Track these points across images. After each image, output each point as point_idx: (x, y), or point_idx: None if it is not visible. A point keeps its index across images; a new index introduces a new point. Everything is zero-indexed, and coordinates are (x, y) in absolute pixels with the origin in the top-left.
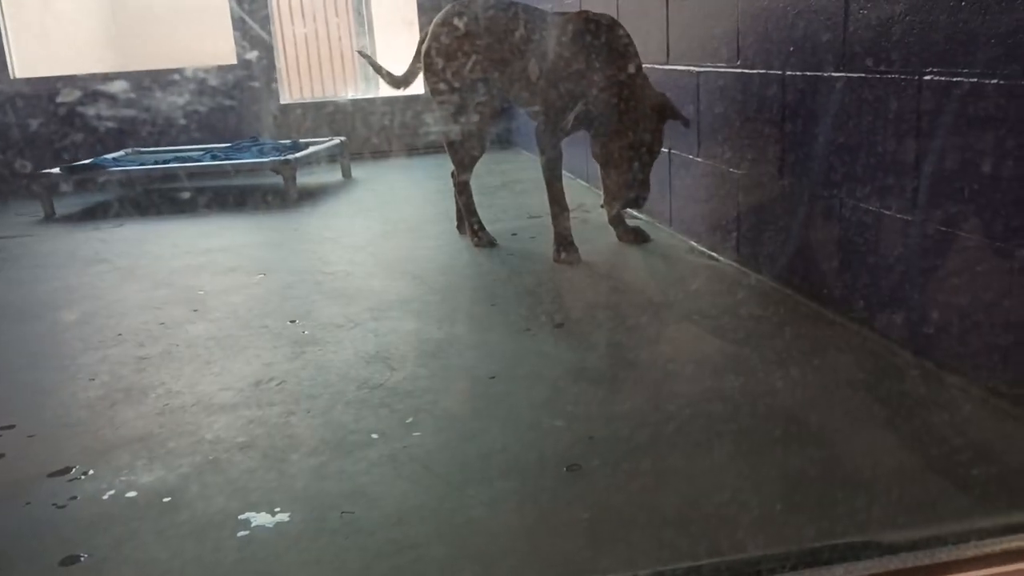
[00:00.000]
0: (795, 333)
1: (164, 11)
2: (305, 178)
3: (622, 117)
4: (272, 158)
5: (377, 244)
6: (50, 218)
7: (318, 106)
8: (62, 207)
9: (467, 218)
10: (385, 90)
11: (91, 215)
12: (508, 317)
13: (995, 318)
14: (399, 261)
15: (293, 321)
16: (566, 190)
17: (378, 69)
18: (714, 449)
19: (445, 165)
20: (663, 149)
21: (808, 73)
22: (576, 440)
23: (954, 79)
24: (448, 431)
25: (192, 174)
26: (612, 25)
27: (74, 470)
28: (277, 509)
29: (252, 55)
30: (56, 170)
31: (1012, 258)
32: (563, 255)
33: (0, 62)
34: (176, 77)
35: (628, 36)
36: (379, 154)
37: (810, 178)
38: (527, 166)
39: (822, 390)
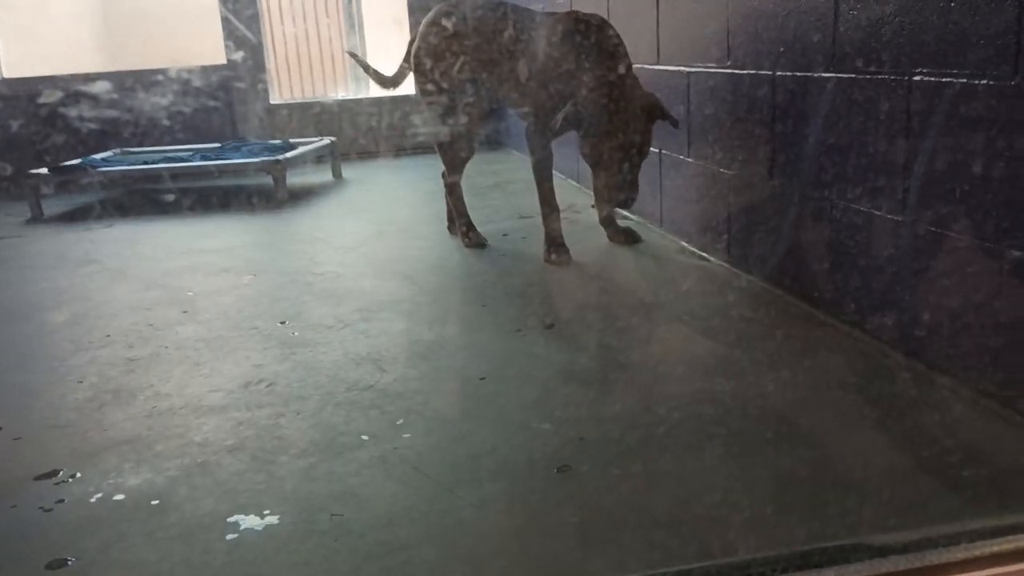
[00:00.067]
0: (786, 334)
1: (155, 12)
2: (295, 178)
3: (611, 117)
4: (262, 158)
5: (368, 245)
6: (38, 219)
7: (307, 106)
8: (50, 208)
9: (458, 219)
10: (376, 90)
11: (80, 216)
12: (499, 318)
13: (985, 319)
14: (390, 262)
15: (283, 322)
16: (557, 191)
17: (368, 70)
18: (705, 450)
19: (436, 166)
20: (654, 150)
21: (798, 73)
22: (566, 441)
23: (944, 80)
24: (438, 432)
25: (182, 175)
26: (601, 25)
27: (61, 473)
28: (266, 511)
29: (237, 55)
30: (44, 170)
31: (1002, 259)
32: (554, 256)
33: None
34: (160, 77)
35: (618, 36)
36: (369, 154)
37: (800, 179)
38: (518, 167)
39: (813, 391)
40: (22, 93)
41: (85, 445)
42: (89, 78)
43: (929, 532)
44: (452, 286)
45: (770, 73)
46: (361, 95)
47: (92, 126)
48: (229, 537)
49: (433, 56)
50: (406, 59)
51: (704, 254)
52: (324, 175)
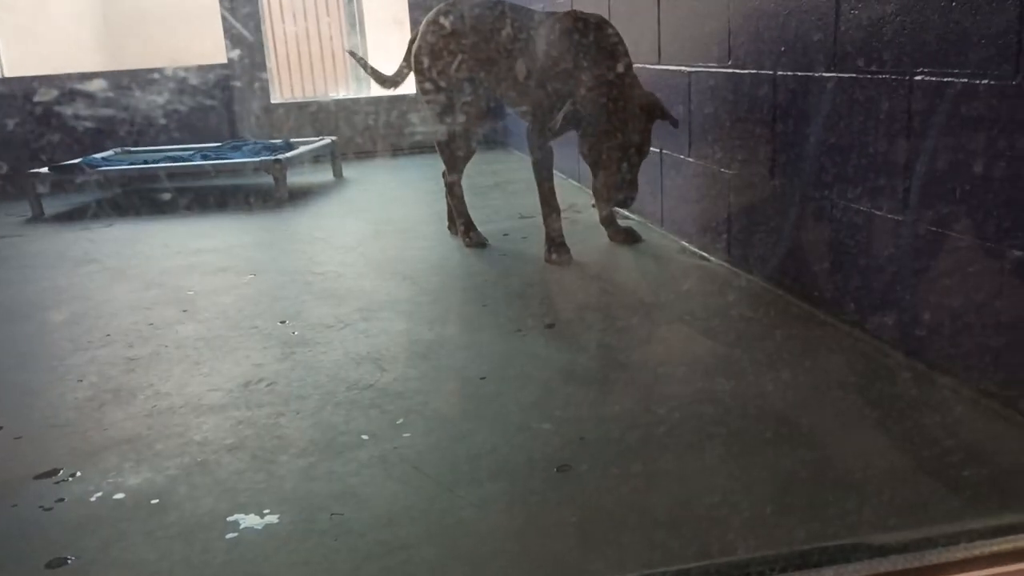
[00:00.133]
0: (786, 334)
1: (155, 11)
2: (295, 178)
3: (610, 117)
4: (263, 158)
5: (368, 244)
6: (39, 218)
7: (307, 106)
8: (50, 207)
9: (458, 218)
10: (377, 90)
11: (80, 215)
12: (499, 318)
13: (986, 319)
14: (390, 261)
15: (283, 322)
16: (557, 190)
17: (368, 69)
18: (705, 450)
19: (436, 165)
20: (655, 149)
21: (799, 73)
22: (566, 441)
23: (945, 79)
24: (438, 432)
25: (181, 174)
26: (601, 24)
27: (62, 472)
28: (266, 510)
29: (234, 53)
30: (45, 169)
31: (1003, 259)
32: (554, 256)
33: None
34: (156, 76)
35: (618, 35)
36: (369, 154)
37: (801, 178)
38: (519, 166)
39: (813, 391)
40: (18, 91)
41: (85, 444)
42: (85, 76)
43: (929, 532)
44: (452, 286)
45: (771, 73)
46: (362, 94)
47: (88, 124)
48: (229, 536)
49: (431, 55)
50: (406, 59)
51: (704, 254)
52: (324, 175)
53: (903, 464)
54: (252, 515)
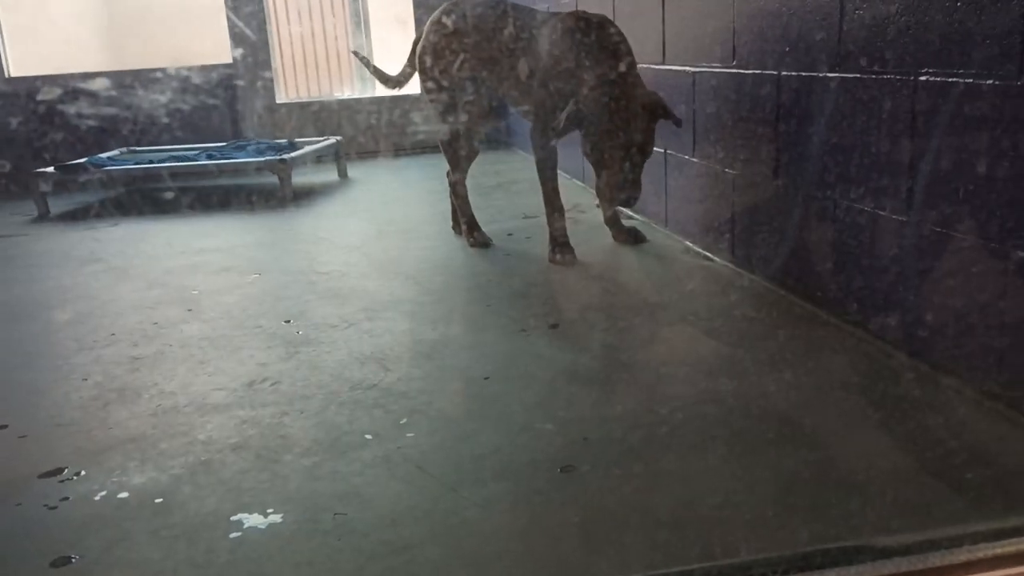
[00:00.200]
0: (789, 334)
1: (159, 11)
2: (300, 178)
3: (613, 117)
4: (268, 158)
5: (372, 244)
6: (44, 217)
7: (312, 106)
8: (56, 206)
9: (462, 218)
10: (382, 90)
11: (85, 214)
12: (503, 318)
13: (990, 319)
14: (394, 261)
15: (287, 321)
16: (562, 190)
17: (373, 70)
18: (708, 451)
19: (440, 165)
20: (659, 149)
21: (803, 73)
22: (570, 441)
23: (949, 79)
24: (442, 432)
25: (186, 173)
26: (604, 24)
27: (66, 471)
28: (270, 510)
29: (237, 52)
30: (50, 169)
31: (1007, 259)
32: (558, 256)
33: None
34: (159, 75)
35: (621, 35)
36: (374, 154)
37: (805, 178)
38: (523, 166)
39: (816, 392)
40: (22, 91)
41: (90, 443)
42: (88, 76)
43: (932, 534)
44: (456, 286)
45: (775, 73)
46: (367, 94)
47: (91, 123)
48: (233, 536)
49: (435, 54)
50: (410, 59)
51: (708, 254)
52: (329, 175)
53: (906, 465)
54: (256, 515)
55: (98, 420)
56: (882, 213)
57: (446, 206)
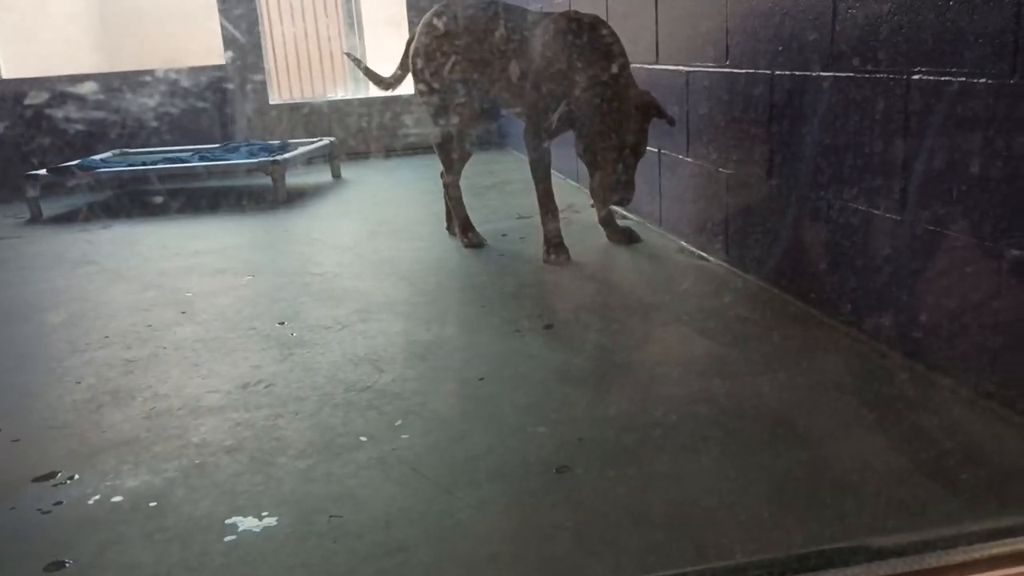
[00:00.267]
0: (784, 334)
1: (153, 12)
2: (294, 179)
3: (606, 117)
4: (261, 159)
5: (365, 245)
6: (37, 220)
7: (305, 107)
8: (49, 209)
9: (456, 218)
10: (375, 91)
11: (77, 216)
12: (497, 319)
13: (984, 319)
14: (387, 262)
15: (281, 323)
16: (556, 190)
17: (366, 71)
18: (702, 452)
19: (433, 166)
20: (652, 149)
21: (796, 73)
22: (564, 442)
23: (942, 79)
24: (436, 433)
25: (180, 175)
26: (596, 24)
27: (60, 474)
28: (264, 513)
29: (227, 55)
30: (42, 171)
31: (1001, 258)
32: (552, 256)
33: None
34: (148, 79)
35: (613, 35)
36: (368, 155)
37: (799, 178)
38: (517, 166)
39: (810, 392)
40: (9, 94)
41: (83, 446)
42: (76, 79)
43: (927, 535)
44: (450, 286)
45: (768, 72)
46: (360, 95)
47: (79, 127)
48: (227, 539)
49: (427, 56)
50: (403, 60)
51: (703, 254)
52: (322, 176)
53: (901, 465)
54: (250, 517)
55: (91, 423)
56: (876, 212)
57: (440, 207)
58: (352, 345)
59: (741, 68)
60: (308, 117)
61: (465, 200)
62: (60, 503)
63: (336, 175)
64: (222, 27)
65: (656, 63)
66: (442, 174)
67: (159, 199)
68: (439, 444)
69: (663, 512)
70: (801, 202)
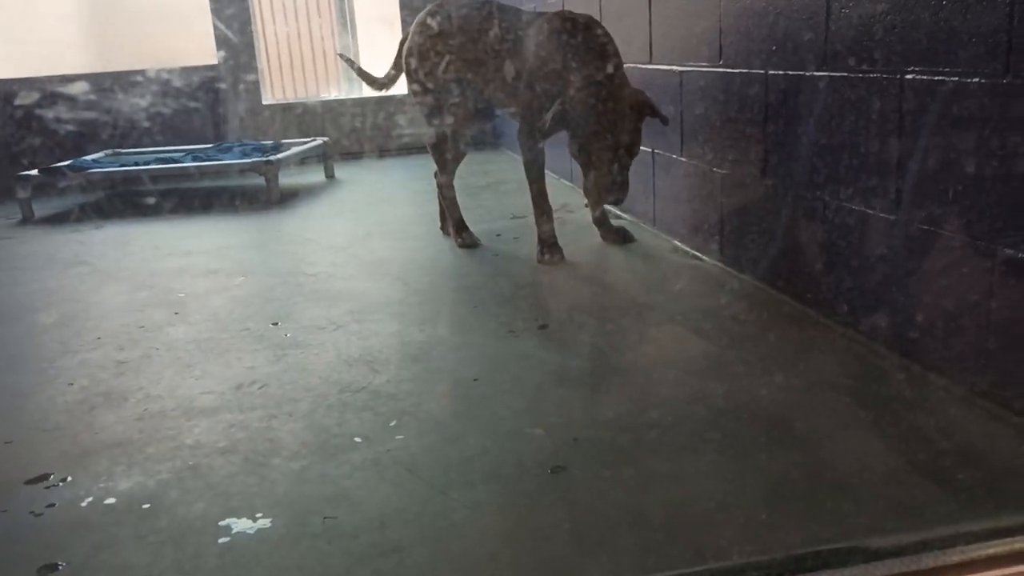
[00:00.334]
0: (779, 335)
1: (145, 12)
2: (287, 179)
3: (600, 116)
4: (253, 159)
5: (359, 245)
6: (28, 220)
7: (298, 107)
8: (40, 209)
9: (450, 219)
10: (369, 91)
11: (69, 217)
12: (491, 319)
13: (980, 318)
14: (381, 262)
15: (275, 324)
16: (549, 190)
17: (359, 72)
18: (699, 453)
19: (427, 166)
20: (646, 149)
21: (790, 72)
22: (559, 443)
23: (936, 78)
24: (431, 434)
25: (172, 176)
26: (590, 24)
27: (52, 477)
28: (258, 514)
29: (219, 55)
30: (34, 172)
31: (995, 258)
32: (546, 256)
33: None
34: (139, 79)
35: (607, 34)
36: (361, 155)
37: (793, 178)
38: (511, 167)
39: (807, 392)
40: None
41: (76, 448)
42: (67, 79)
43: (924, 535)
44: (444, 287)
45: (762, 72)
46: (354, 95)
47: (70, 128)
48: (221, 540)
49: (420, 56)
50: (397, 60)
51: (697, 253)
52: (315, 176)
53: (898, 466)
54: (244, 519)
55: (84, 425)
56: (870, 212)
57: (434, 207)
58: (346, 346)
59: (735, 68)
60: (301, 117)
61: (459, 200)
62: (53, 505)
63: (329, 175)
64: (214, 27)
65: (650, 63)
66: (436, 174)
67: (151, 200)
68: (434, 445)
69: (660, 513)
70: (795, 202)
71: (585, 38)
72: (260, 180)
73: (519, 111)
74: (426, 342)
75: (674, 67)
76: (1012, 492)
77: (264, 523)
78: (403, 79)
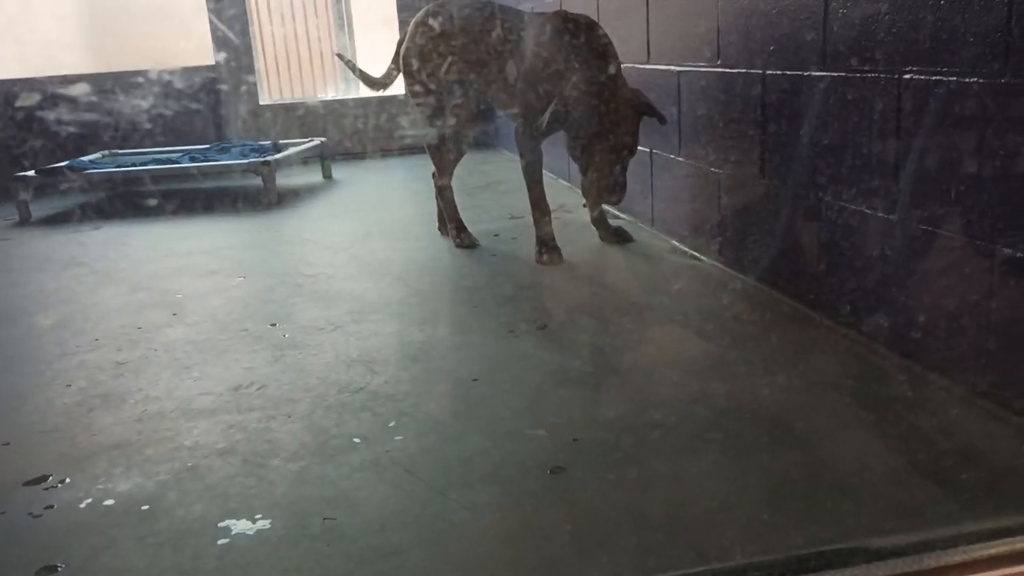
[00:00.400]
0: (779, 335)
1: (141, 12)
2: (284, 179)
3: (598, 116)
4: (251, 160)
5: (358, 246)
6: (26, 221)
7: (295, 107)
8: (38, 210)
9: (448, 219)
10: (366, 91)
11: (67, 218)
12: (490, 319)
13: (980, 319)
14: (380, 263)
15: (273, 324)
16: (548, 190)
17: (357, 72)
18: (700, 453)
19: (425, 166)
20: (644, 149)
21: (789, 72)
22: (559, 444)
23: (934, 78)
24: (430, 435)
25: (170, 176)
26: (589, 24)
27: (50, 478)
28: (258, 516)
29: (220, 56)
30: (31, 173)
31: (996, 258)
32: (545, 256)
33: None
34: (140, 80)
35: (604, 34)
36: (359, 155)
37: (792, 178)
38: (509, 167)
39: (807, 393)
40: None
41: (74, 450)
42: (68, 80)
43: (926, 535)
44: (443, 287)
45: (760, 72)
46: (351, 95)
47: (71, 129)
48: (220, 542)
49: (420, 57)
50: (395, 60)
51: (695, 254)
52: (313, 176)
53: (898, 466)
54: (243, 520)
55: (82, 426)
56: (869, 212)
57: (432, 207)
58: (345, 346)
59: (733, 67)
60: (299, 118)
61: (457, 200)
62: (51, 507)
63: (327, 176)
64: (215, 28)
65: (647, 63)
66: (434, 175)
67: (150, 200)
68: (433, 446)
69: (661, 513)
70: (794, 202)
71: (583, 38)
72: (258, 180)
73: (520, 112)
74: (425, 342)
75: (672, 67)
76: (1012, 492)
77: (263, 524)
78: (401, 79)
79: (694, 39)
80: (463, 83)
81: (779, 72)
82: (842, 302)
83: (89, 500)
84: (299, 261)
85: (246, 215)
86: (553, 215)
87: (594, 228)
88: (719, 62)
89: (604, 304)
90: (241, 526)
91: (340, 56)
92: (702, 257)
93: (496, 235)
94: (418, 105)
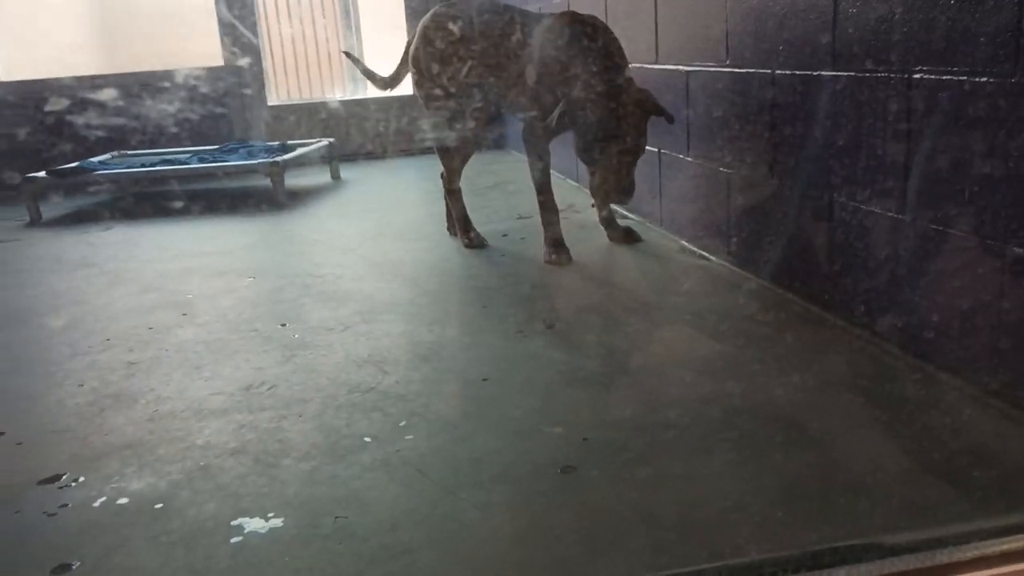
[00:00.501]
0: (790, 335)
1: (150, 11)
2: (293, 180)
3: (605, 115)
4: (260, 160)
5: (367, 246)
6: (36, 222)
7: (302, 108)
8: (48, 211)
9: (457, 219)
10: (373, 91)
11: (78, 219)
12: (500, 319)
13: (992, 319)
14: (389, 263)
15: (283, 325)
16: (556, 190)
17: (364, 71)
18: (713, 453)
19: (434, 166)
20: (653, 148)
21: (798, 72)
22: (570, 443)
23: (944, 78)
24: (441, 435)
25: (179, 177)
26: (596, 24)
27: (64, 477)
28: (270, 515)
29: (244, 61)
30: (42, 174)
31: (1008, 258)
32: (553, 256)
33: None
34: (166, 84)
35: (611, 34)
36: (366, 155)
37: (801, 177)
38: (518, 167)
39: (820, 393)
40: (28, 100)
41: (87, 450)
42: (95, 83)
43: (939, 532)
44: (452, 287)
45: (769, 72)
46: (359, 95)
47: (99, 134)
48: (233, 541)
49: (438, 60)
50: (403, 60)
51: (704, 253)
52: (322, 176)
53: (911, 466)
54: (256, 519)
55: (95, 426)
56: (879, 212)
57: (440, 207)
58: (355, 346)
59: (742, 67)
60: (306, 118)
61: (465, 200)
62: (65, 506)
63: (335, 176)
64: (220, 29)
65: (656, 63)
66: (442, 175)
67: (161, 202)
68: (444, 446)
69: (673, 513)
70: (804, 201)
71: (589, 38)
72: (266, 181)
73: (525, 111)
74: (435, 342)
75: (680, 67)
76: None
77: (276, 523)
78: (407, 79)
79: (703, 39)
80: (482, 87)
81: (789, 72)
82: (855, 302)
83: (103, 499)
84: (308, 261)
85: (255, 216)
86: (562, 215)
87: (603, 228)
88: (728, 62)
89: (614, 304)
90: (253, 525)
91: (347, 54)
92: (711, 257)
93: (505, 235)
94: (436, 109)
